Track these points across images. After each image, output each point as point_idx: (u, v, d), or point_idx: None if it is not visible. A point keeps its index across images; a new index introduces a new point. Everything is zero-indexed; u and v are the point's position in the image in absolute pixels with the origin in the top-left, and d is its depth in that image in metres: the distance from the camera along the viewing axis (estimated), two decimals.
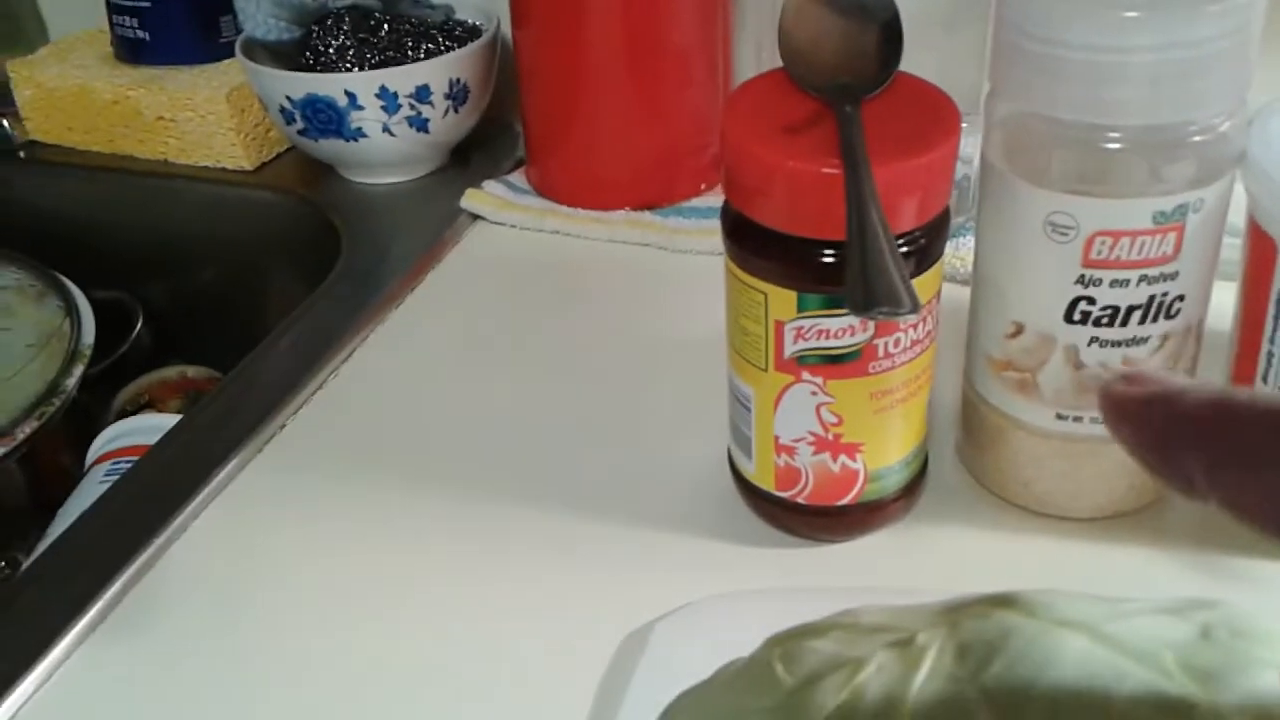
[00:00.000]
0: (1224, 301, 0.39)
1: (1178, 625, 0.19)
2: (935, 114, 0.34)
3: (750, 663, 0.22)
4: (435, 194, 0.65)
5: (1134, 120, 0.33)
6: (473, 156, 0.69)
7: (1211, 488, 0.18)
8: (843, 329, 0.35)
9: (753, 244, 0.35)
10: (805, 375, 0.36)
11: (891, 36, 0.36)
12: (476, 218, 0.62)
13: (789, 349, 0.36)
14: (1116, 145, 0.33)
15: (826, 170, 0.32)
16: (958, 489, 0.42)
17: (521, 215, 0.61)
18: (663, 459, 0.45)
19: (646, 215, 0.61)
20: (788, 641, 0.21)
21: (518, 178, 0.65)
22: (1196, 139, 0.33)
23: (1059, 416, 0.38)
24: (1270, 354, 0.36)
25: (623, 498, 0.43)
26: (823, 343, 0.35)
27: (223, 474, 0.45)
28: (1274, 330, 0.35)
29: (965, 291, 0.41)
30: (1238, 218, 0.37)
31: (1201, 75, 0.32)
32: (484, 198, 0.62)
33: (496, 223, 0.62)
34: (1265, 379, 0.36)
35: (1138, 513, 0.40)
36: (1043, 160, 0.35)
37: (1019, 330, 0.37)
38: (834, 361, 0.35)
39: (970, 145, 0.43)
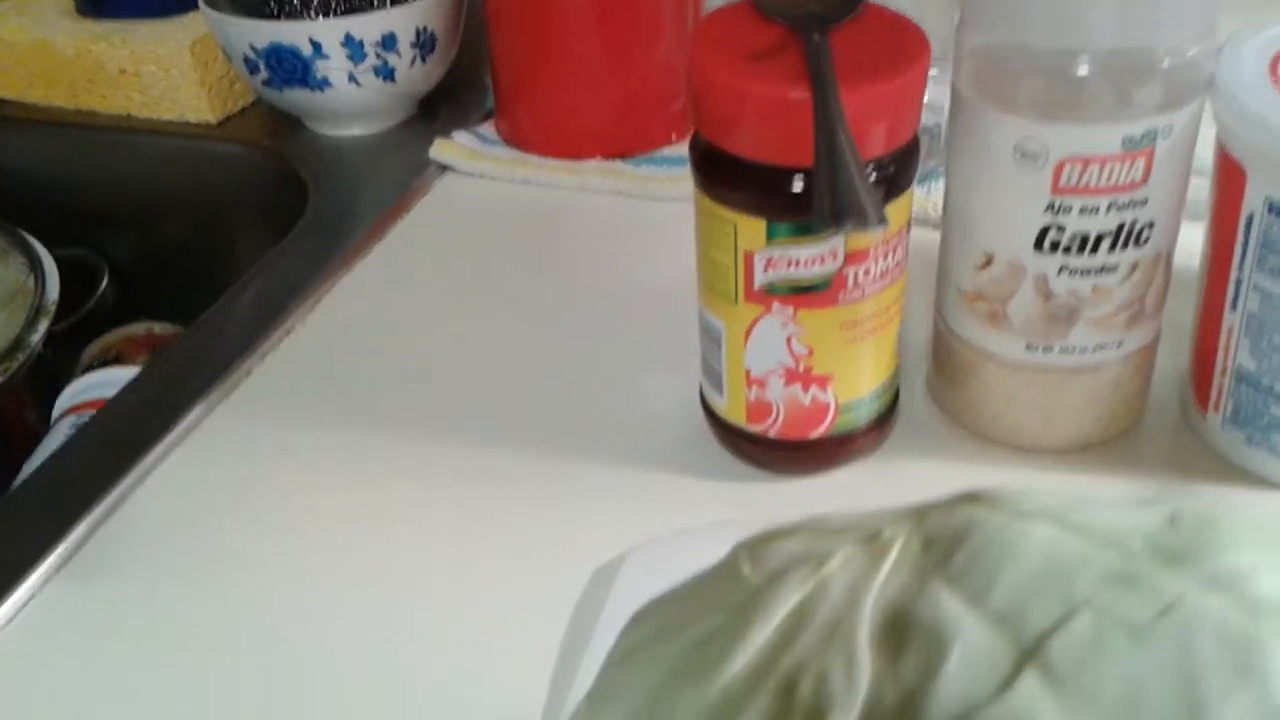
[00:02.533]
0: (1190, 240, 0.39)
1: (1145, 514, 0.19)
2: (903, 42, 0.34)
3: (717, 565, 0.22)
4: (403, 145, 0.64)
5: (1102, 44, 0.33)
6: (441, 108, 0.68)
7: None
8: (812, 258, 0.35)
9: (721, 173, 0.35)
10: (775, 306, 0.36)
11: None
12: (445, 169, 0.62)
13: (759, 279, 0.35)
14: (1085, 70, 0.33)
15: (794, 95, 0.32)
16: (929, 424, 0.42)
17: (491, 165, 0.61)
18: (635, 400, 0.45)
19: (618, 164, 0.60)
20: (755, 544, 0.21)
21: (487, 129, 0.64)
22: (1165, 64, 0.33)
23: (1029, 347, 0.38)
24: (1239, 281, 0.36)
25: (595, 438, 0.43)
26: (792, 272, 0.35)
27: (188, 420, 0.45)
28: (1242, 258, 0.35)
29: (937, 236, 0.40)
30: (1206, 158, 0.37)
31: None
32: (453, 148, 0.62)
33: (466, 173, 0.61)
34: (1234, 306, 0.36)
35: (1109, 443, 0.41)
36: (1012, 87, 0.34)
37: (989, 261, 0.37)
38: (804, 291, 0.35)
39: (942, 93, 0.43)
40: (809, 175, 0.33)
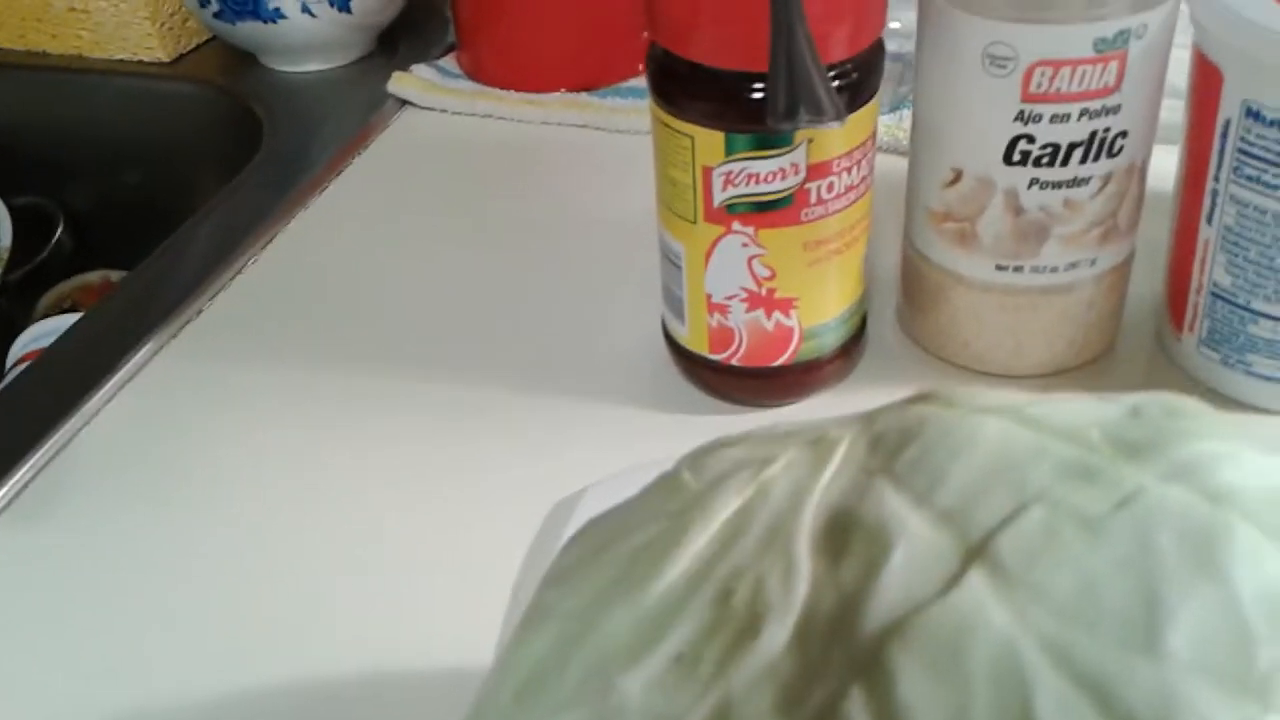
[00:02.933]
0: (1165, 165, 0.37)
1: (1107, 406, 0.17)
2: None
3: (660, 477, 0.20)
4: (362, 80, 0.62)
5: None
6: (401, 42, 0.66)
7: None
8: (773, 172, 0.33)
9: (679, 84, 0.33)
10: (736, 225, 0.34)
11: None
12: (405, 103, 0.60)
13: (718, 197, 0.34)
14: None
15: None
16: (898, 353, 0.41)
17: (451, 99, 0.59)
18: (599, 332, 0.43)
19: (583, 96, 0.58)
20: (699, 454, 0.20)
21: (448, 62, 0.62)
22: None
23: (999, 267, 0.37)
24: (1215, 191, 0.35)
25: (559, 371, 0.42)
26: (753, 188, 0.33)
27: (135, 359, 0.43)
28: (1219, 167, 0.34)
29: (905, 163, 0.39)
30: (1180, 80, 0.36)
31: None
32: (412, 81, 0.60)
33: (426, 108, 0.59)
34: (1210, 220, 0.35)
35: (1081, 369, 0.39)
36: None
37: (957, 177, 0.36)
38: (765, 209, 0.34)
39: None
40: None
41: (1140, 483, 0.15)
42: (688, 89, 0.33)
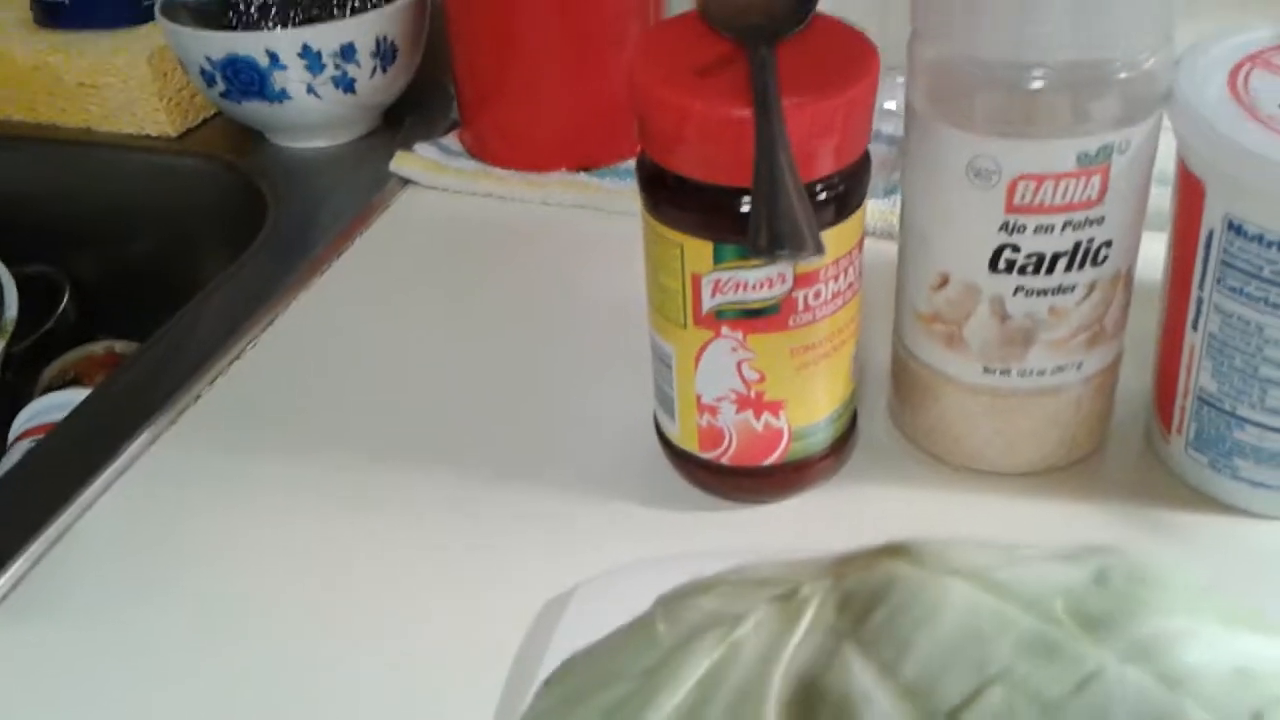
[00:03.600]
0: (1156, 252, 0.38)
1: (1072, 571, 0.18)
2: (851, 56, 0.33)
3: (635, 621, 0.21)
4: (366, 158, 0.63)
5: (1056, 56, 0.32)
6: (405, 119, 0.67)
7: None
8: (761, 281, 0.33)
9: (667, 194, 0.34)
10: (725, 330, 0.35)
11: None
12: (408, 182, 0.61)
13: (707, 303, 0.34)
14: (1040, 84, 0.32)
15: (737, 113, 0.31)
16: (890, 448, 0.41)
17: (453, 178, 0.59)
18: (593, 423, 0.44)
19: (582, 177, 0.59)
20: (674, 599, 0.20)
21: (451, 140, 0.63)
22: (1121, 76, 0.32)
23: (986, 370, 0.37)
24: (1199, 300, 0.35)
25: (553, 462, 0.42)
26: (741, 295, 0.34)
27: (131, 449, 0.43)
28: (1203, 276, 0.34)
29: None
30: (1169, 165, 0.36)
31: (1123, 7, 0.31)
32: (414, 160, 0.60)
33: (428, 186, 0.60)
34: (1195, 326, 0.35)
35: (1071, 467, 0.40)
36: (966, 103, 0.33)
37: (944, 281, 0.36)
38: (753, 315, 0.34)
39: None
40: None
41: (1100, 662, 0.15)
42: (676, 199, 0.33)
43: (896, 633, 0.17)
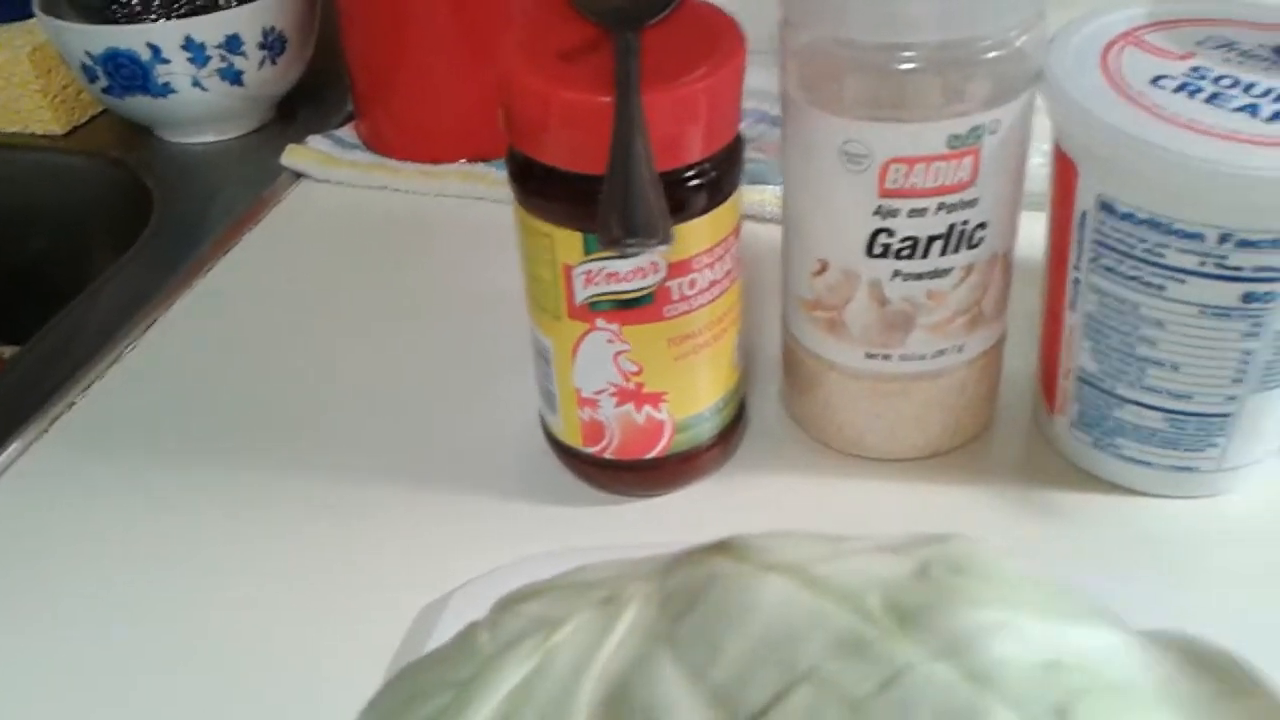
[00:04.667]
0: (1039, 232, 0.38)
1: (895, 563, 0.17)
2: (718, 41, 0.32)
3: (464, 630, 0.20)
4: (258, 151, 0.61)
5: (926, 37, 0.31)
6: (300, 111, 0.65)
7: None
8: (633, 271, 0.33)
9: (535, 184, 0.33)
10: (599, 323, 0.34)
11: None
12: (301, 176, 0.59)
13: (580, 294, 0.33)
14: (910, 66, 0.32)
15: (599, 100, 0.30)
16: (781, 435, 0.41)
17: (346, 171, 0.58)
18: (484, 419, 0.43)
19: (480, 168, 0.58)
20: (500, 609, 0.19)
21: (347, 132, 0.61)
22: (991, 55, 0.32)
23: (868, 355, 0.37)
24: (1076, 281, 0.35)
25: (438, 462, 0.41)
26: (613, 286, 0.33)
27: (2, 457, 0.42)
28: (1079, 256, 0.34)
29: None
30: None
31: None
32: (306, 153, 0.59)
33: (322, 180, 0.59)
34: (1073, 306, 0.35)
35: (959, 449, 0.39)
36: (835, 87, 0.33)
37: (824, 268, 0.36)
38: (628, 306, 0.33)
39: None
40: None
41: (908, 660, 0.15)
42: (543, 189, 0.33)
43: (708, 634, 0.16)
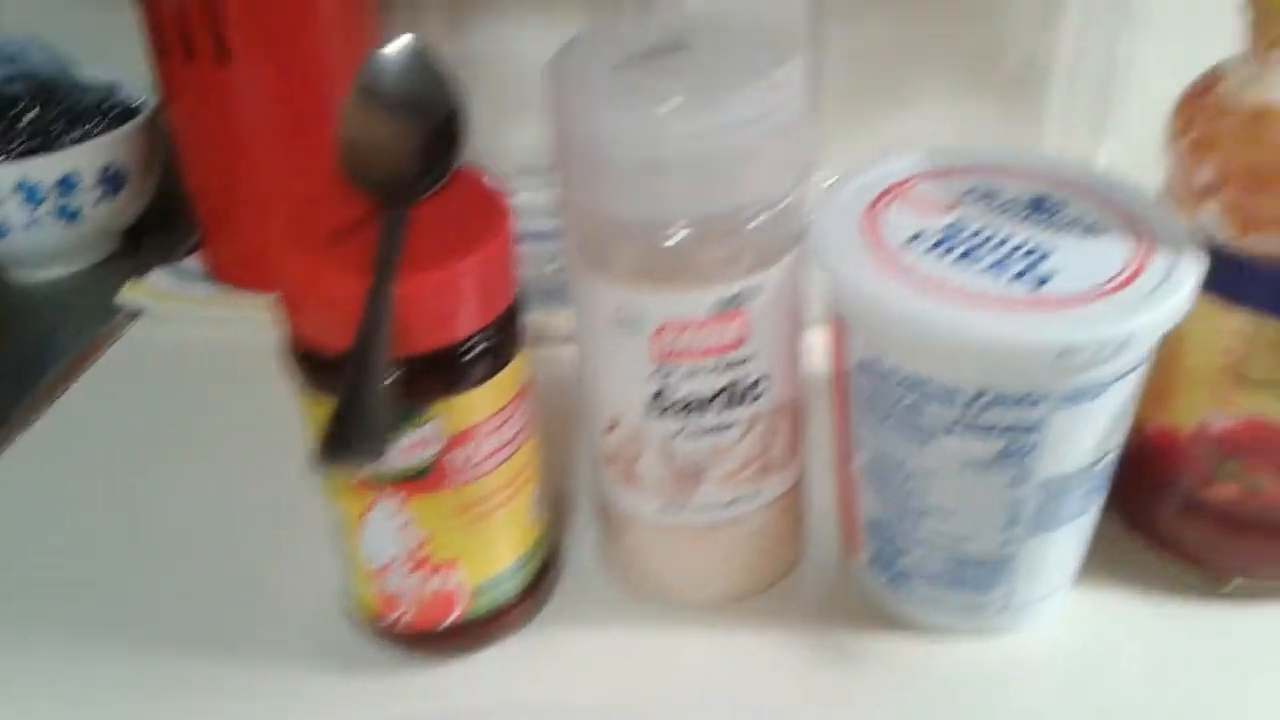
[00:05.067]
0: None
1: None
2: (487, 215, 0.33)
3: None
4: (102, 286, 0.60)
5: (688, 211, 0.32)
6: (147, 241, 0.64)
7: None
8: (412, 445, 0.33)
9: (301, 359, 0.33)
10: (384, 496, 0.34)
11: (446, 137, 0.34)
12: (138, 312, 0.58)
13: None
14: (675, 238, 0.32)
15: (346, 289, 0.30)
16: (596, 583, 0.41)
17: (184, 306, 0.58)
18: (293, 583, 0.41)
19: None
20: None
21: (192, 262, 0.61)
22: (754, 224, 0.33)
23: (664, 507, 0.37)
24: (852, 433, 0.36)
25: (241, 632, 0.40)
26: (392, 460, 0.33)
27: None
28: (853, 409, 0.35)
29: None
30: None
31: (749, 161, 0.32)
32: (143, 290, 0.58)
33: (162, 316, 0.58)
34: (855, 455, 0.36)
35: (767, 592, 0.40)
36: (610, 256, 0.33)
37: (614, 425, 0.36)
38: (410, 479, 0.33)
39: None
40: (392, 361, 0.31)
41: None
42: (315, 368, 0.33)
43: None
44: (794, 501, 0.39)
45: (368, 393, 0.28)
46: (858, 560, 0.39)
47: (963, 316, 0.31)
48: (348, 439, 0.28)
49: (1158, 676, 0.36)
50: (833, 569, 0.41)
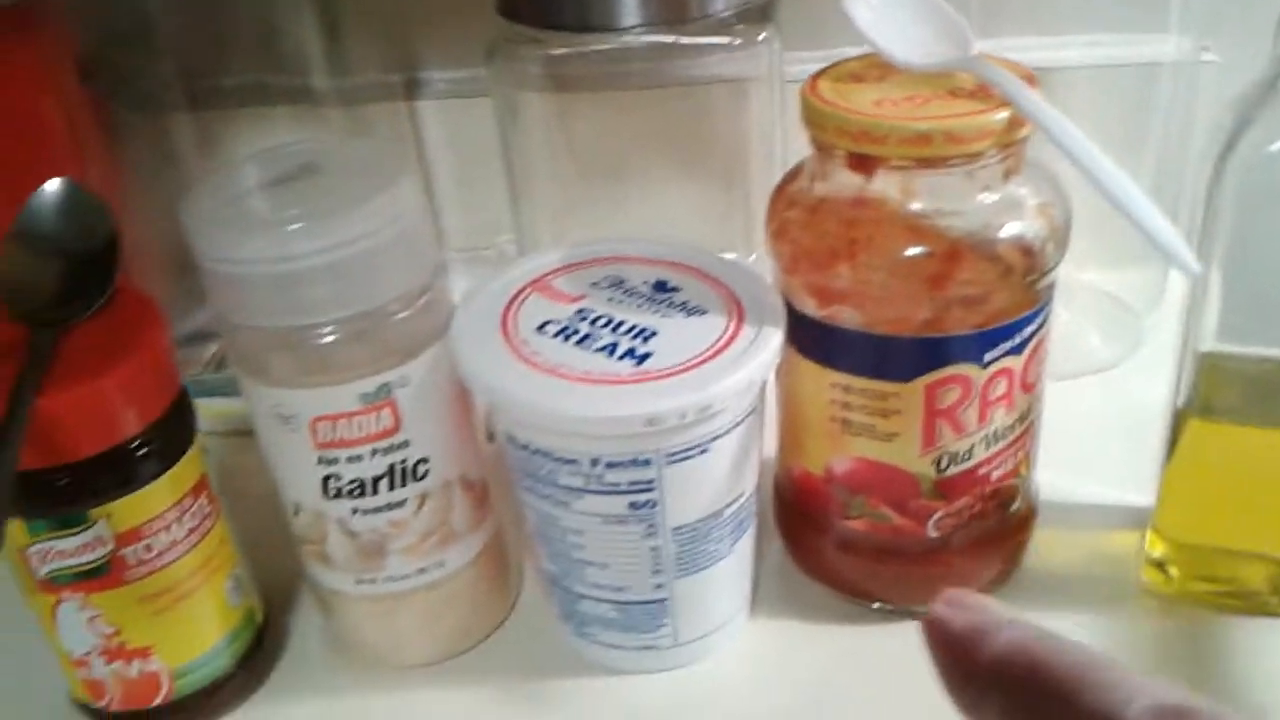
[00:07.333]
0: None
1: None
2: (141, 326, 0.36)
3: None
4: None
5: (329, 315, 0.35)
6: None
7: None
8: (80, 546, 0.35)
9: None
10: (66, 594, 0.36)
11: (102, 264, 0.37)
12: None
13: (39, 571, 0.36)
14: (325, 339, 0.35)
15: None
16: (318, 656, 0.43)
17: None
18: (27, 674, 0.43)
19: None
20: None
21: None
22: (397, 318, 0.36)
23: (358, 581, 0.40)
24: (519, 497, 0.39)
25: None
26: (65, 562, 0.36)
27: None
28: (512, 476, 0.39)
29: None
30: None
31: (380, 264, 0.35)
32: None
33: None
34: (525, 517, 0.39)
35: (475, 652, 0.43)
36: (263, 361, 0.36)
37: (298, 509, 0.39)
38: (87, 577, 0.36)
39: None
40: (54, 473, 0.34)
41: None
42: None
43: None
44: (490, 564, 0.42)
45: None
46: (554, 613, 0.42)
47: (569, 395, 0.34)
48: None
49: (817, 694, 0.40)
50: (539, 622, 0.44)
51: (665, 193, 0.60)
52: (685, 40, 0.46)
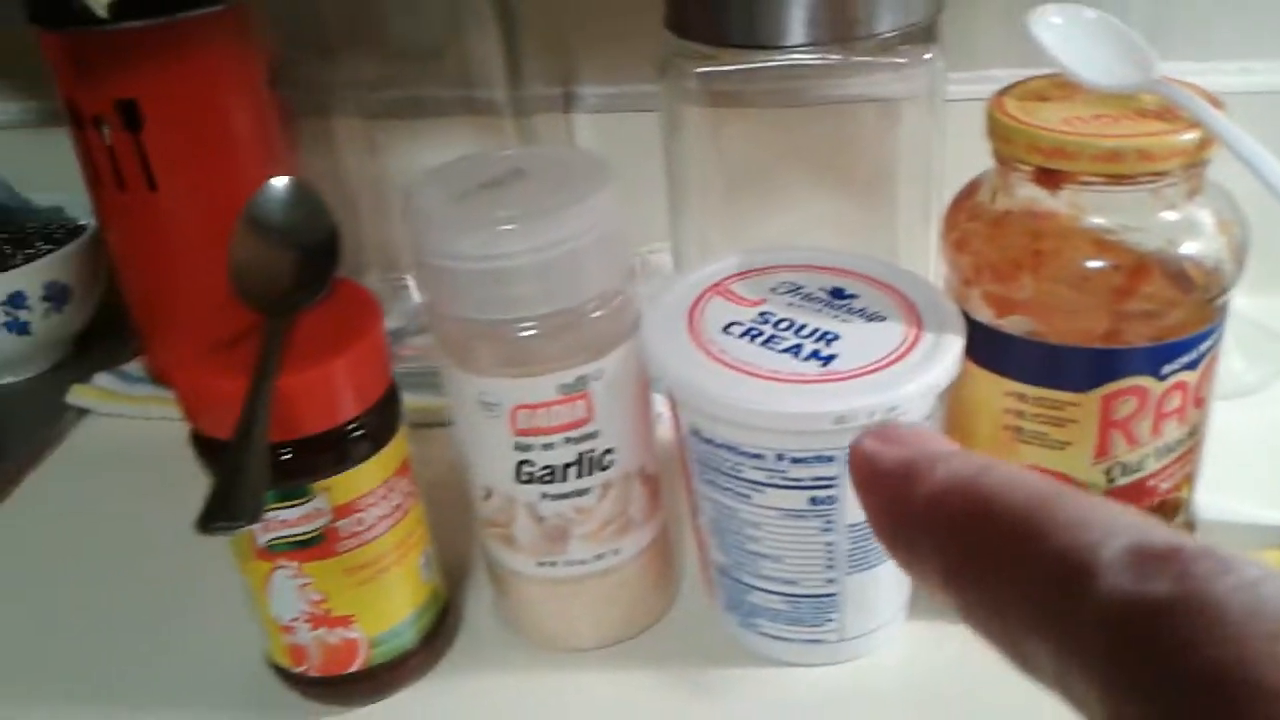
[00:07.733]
0: None
1: None
2: (361, 319, 0.39)
3: None
4: (51, 391, 0.66)
5: (534, 311, 0.38)
6: (95, 348, 0.70)
7: (947, 590, 0.16)
8: (301, 517, 0.38)
9: (203, 447, 0.38)
10: (281, 561, 0.39)
11: (325, 256, 0.40)
12: (86, 412, 0.63)
13: (260, 539, 0.39)
14: (527, 333, 0.38)
15: (228, 386, 0.36)
16: (492, 633, 0.46)
17: (127, 405, 0.63)
18: (225, 638, 0.46)
19: None
20: None
21: (134, 366, 0.66)
22: (594, 316, 0.39)
23: (539, 563, 0.42)
24: (695, 490, 0.41)
25: (185, 685, 0.44)
26: (286, 532, 0.38)
27: None
28: (691, 470, 0.41)
29: None
30: None
31: (582, 265, 0.38)
32: (90, 392, 0.64)
33: (105, 414, 0.63)
34: (699, 511, 0.41)
35: (639, 639, 0.45)
36: (469, 351, 0.39)
37: (489, 493, 0.42)
38: (303, 546, 0.39)
39: None
40: (284, 448, 0.37)
41: None
42: (211, 452, 0.38)
43: None
44: (658, 555, 0.44)
45: (242, 470, 0.34)
46: (716, 604, 0.44)
47: (760, 391, 0.36)
48: (223, 508, 0.33)
49: (971, 699, 0.42)
50: (702, 612, 0.46)
51: (809, 208, 0.61)
52: (853, 59, 0.48)
